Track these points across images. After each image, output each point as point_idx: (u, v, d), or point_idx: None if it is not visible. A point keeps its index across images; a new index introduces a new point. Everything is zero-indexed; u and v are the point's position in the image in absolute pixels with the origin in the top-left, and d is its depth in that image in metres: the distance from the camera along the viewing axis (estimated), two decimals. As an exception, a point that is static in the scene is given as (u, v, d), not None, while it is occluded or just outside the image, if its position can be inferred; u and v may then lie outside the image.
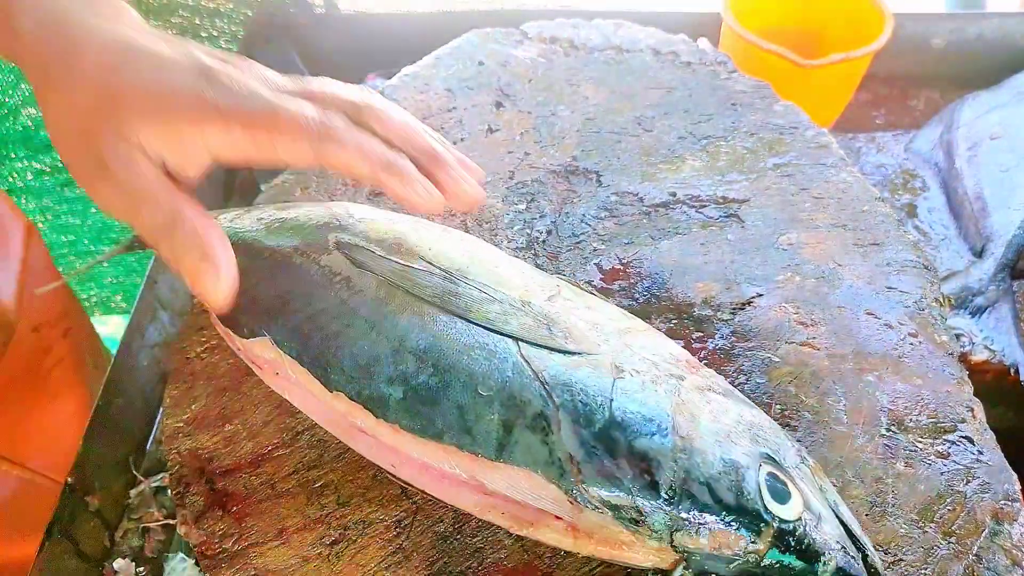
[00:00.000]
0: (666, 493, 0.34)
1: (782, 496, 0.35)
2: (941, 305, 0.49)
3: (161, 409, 0.58)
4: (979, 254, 0.69)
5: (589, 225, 0.55)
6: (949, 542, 0.39)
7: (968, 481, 0.41)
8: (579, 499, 0.35)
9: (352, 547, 0.41)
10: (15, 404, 0.68)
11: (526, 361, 0.38)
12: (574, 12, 0.72)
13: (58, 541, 0.49)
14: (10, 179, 1.16)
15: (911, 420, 0.43)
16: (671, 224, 0.54)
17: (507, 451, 0.36)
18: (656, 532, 0.34)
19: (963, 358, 0.48)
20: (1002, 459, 0.42)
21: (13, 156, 1.13)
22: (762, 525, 0.34)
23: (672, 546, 0.34)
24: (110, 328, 1.23)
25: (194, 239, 0.35)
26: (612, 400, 0.36)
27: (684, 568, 0.35)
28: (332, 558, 0.41)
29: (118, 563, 0.52)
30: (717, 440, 0.36)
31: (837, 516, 0.36)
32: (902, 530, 0.40)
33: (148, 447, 0.59)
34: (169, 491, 0.46)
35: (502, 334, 0.39)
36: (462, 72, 0.66)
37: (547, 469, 0.35)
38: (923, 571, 0.38)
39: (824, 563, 0.34)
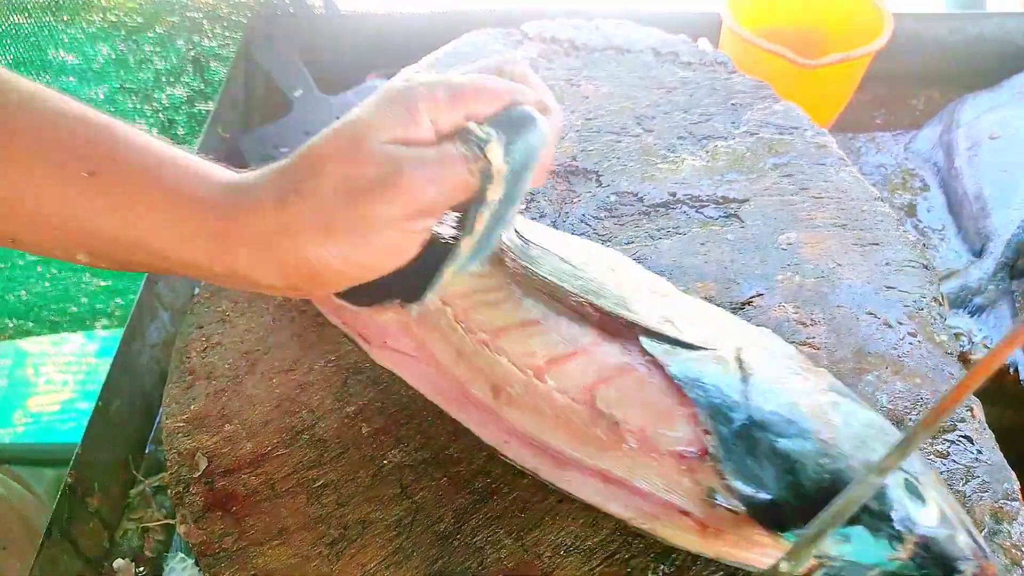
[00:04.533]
0: (811, 495, 0.33)
1: (920, 503, 0.34)
2: (940, 304, 0.49)
3: (160, 409, 0.58)
4: (979, 254, 0.69)
5: (589, 225, 0.55)
6: (949, 541, 0.39)
7: (967, 480, 0.41)
8: (717, 497, 0.34)
9: (352, 547, 0.41)
10: None
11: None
12: (574, 12, 0.72)
13: (57, 541, 0.49)
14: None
15: (911, 420, 0.43)
16: (671, 224, 0.54)
17: None
18: (797, 534, 0.33)
19: (962, 358, 0.48)
20: (1001, 458, 0.42)
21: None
22: (905, 532, 0.33)
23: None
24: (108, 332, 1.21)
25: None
26: (748, 399, 0.35)
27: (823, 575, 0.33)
28: (332, 558, 0.41)
29: (118, 563, 0.52)
30: (856, 445, 0.35)
31: (963, 524, 0.35)
32: (902, 529, 0.40)
33: (147, 447, 0.59)
34: (168, 491, 0.46)
35: (628, 321, 0.38)
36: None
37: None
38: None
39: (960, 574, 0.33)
